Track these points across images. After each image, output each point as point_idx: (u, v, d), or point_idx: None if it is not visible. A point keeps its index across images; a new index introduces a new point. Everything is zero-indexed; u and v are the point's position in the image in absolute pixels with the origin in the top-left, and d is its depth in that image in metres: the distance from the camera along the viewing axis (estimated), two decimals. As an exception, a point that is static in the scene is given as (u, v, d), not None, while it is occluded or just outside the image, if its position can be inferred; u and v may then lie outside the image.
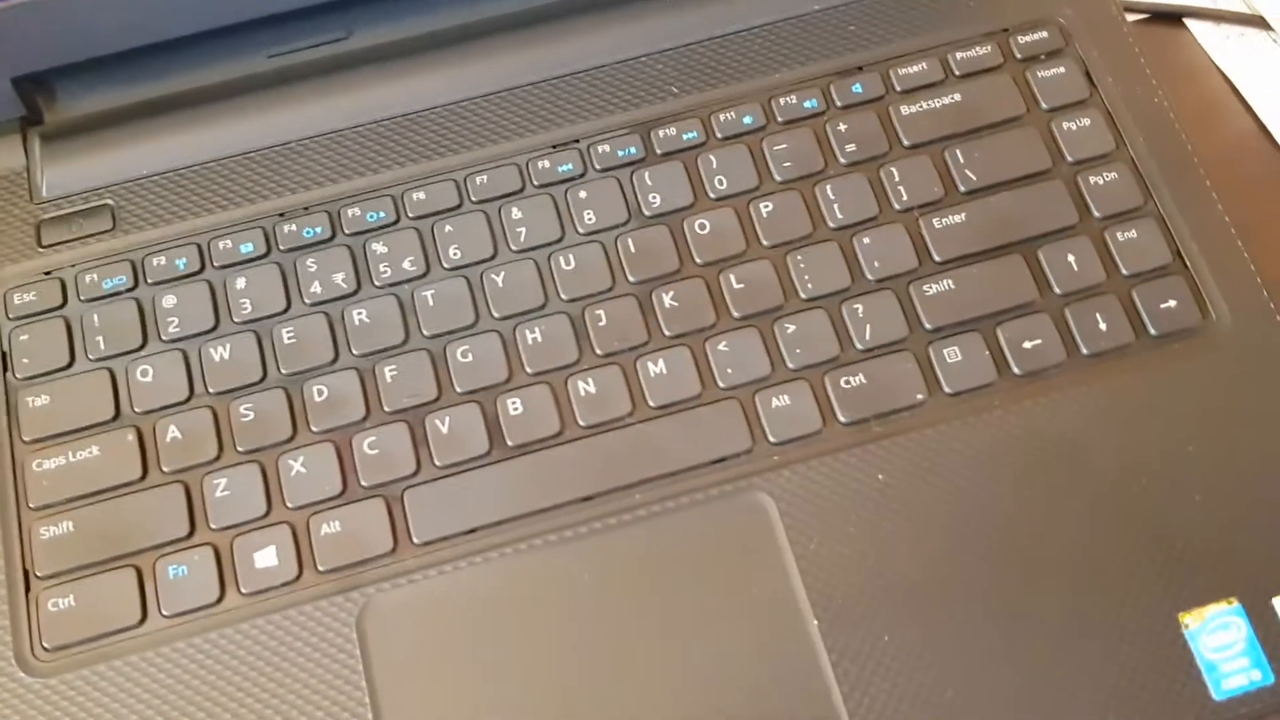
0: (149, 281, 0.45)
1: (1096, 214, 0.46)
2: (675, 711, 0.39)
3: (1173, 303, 0.45)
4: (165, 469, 0.42)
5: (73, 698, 0.39)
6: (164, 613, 0.40)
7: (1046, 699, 0.39)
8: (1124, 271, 0.45)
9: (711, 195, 0.46)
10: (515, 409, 0.43)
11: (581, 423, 0.43)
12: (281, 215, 0.46)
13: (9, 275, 0.45)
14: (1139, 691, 0.39)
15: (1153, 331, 0.44)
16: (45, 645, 0.40)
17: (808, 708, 0.39)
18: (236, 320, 0.44)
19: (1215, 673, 0.40)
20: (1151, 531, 0.41)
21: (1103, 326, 0.44)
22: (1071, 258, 0.45)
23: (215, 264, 0.45)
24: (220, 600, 0.40)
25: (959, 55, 0.49)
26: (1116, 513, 0.42)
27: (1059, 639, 0.40)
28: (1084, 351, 0.44)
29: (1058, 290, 0.45)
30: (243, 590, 0.40)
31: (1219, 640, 0.40)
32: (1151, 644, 0.40)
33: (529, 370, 0.43)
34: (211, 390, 0.43)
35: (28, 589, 0.40)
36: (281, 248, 0.45)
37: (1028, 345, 0.44)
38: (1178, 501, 0.42)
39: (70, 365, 0.44)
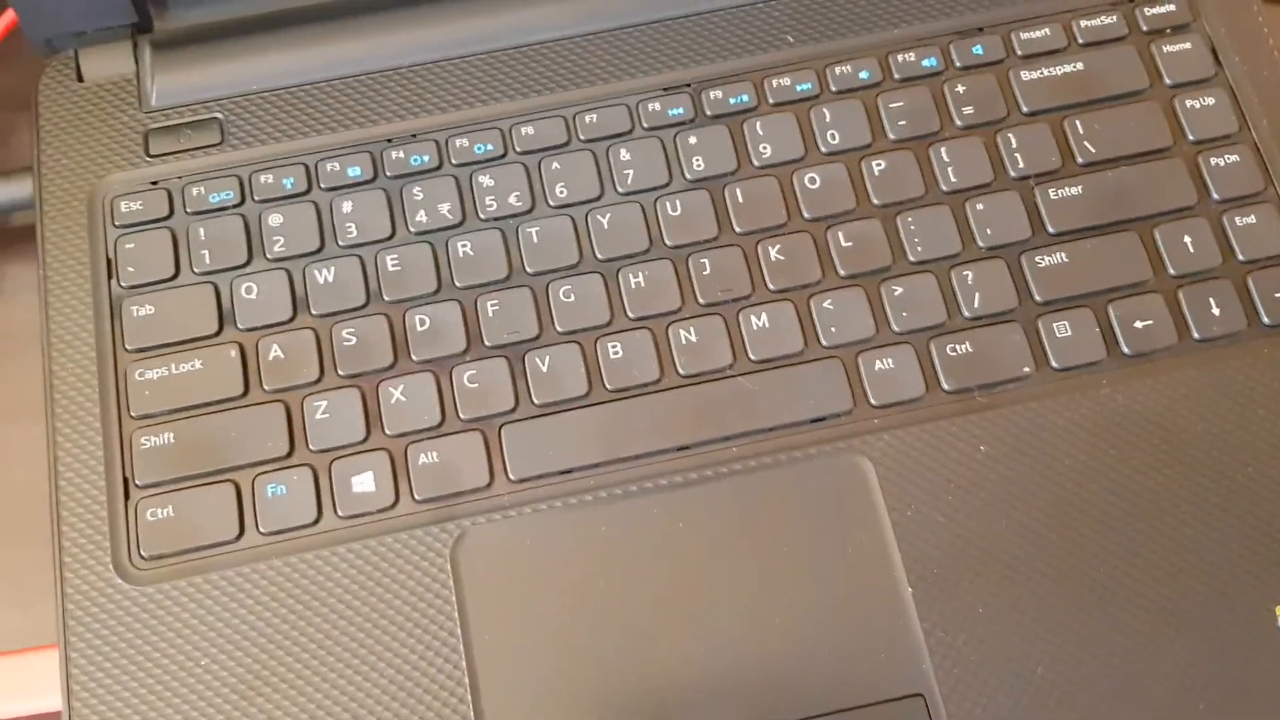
0: (255, 199, 0.45)
1: (1215, 196, 0.45)
2: (759, 669, 0.39)
3: (1289, 291, 0.44)
4: (266, 387, 0.42)
5: (168, 607, 0.39)
6: (261, 530, 0.40)
7: (1136, 682, 0.39)
8: (1240, 257, 0.44)
9: (823, 149, 0.46)
10: (615, 352, 0.42)
11: (681, 371, 0.42)
12: (389, 141, 0.46)
13: (117, 182, 0.45)
14: (1230, 682, 0.39)
15: (1266, 320, 0.44)
16: (143, 554, 0.40)
17: (897, 674, 0.39)
18: (341, 244, 0.44)
19: (1309, 668, 0.39)
20: (1252, 522, 0.41)
21: (1216, 311, 0.44)
22: (1188, 239, 0.45)
23: (322, 185, 0.45)
24: (317, 521, 0.40)
25: (1083, 23, 0.48)
26: (1218, 501, 0.41)
27: (1152, 623, 0.39)
28: (1195, 336, 0.43)
29: (1172, 271, 0.44)
30: (340, 513, 0.40)
31: (1314, 636, 0.39)
32: (1246, 635, 0.39)
33: (630, 314, 0.43)
34: (315, 312, 0.43)
35: (127, 497, 0.41)
36: (388, 174, 0.45)
37: (1139, 325, 0.43)
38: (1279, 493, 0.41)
39: (175, 277, 0.44)
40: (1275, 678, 0.39)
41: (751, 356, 0.43)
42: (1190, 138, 0.46)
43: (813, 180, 0.45)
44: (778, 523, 0.41)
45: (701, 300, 0.43)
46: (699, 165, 0.45)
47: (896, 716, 0.38)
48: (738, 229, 0.44)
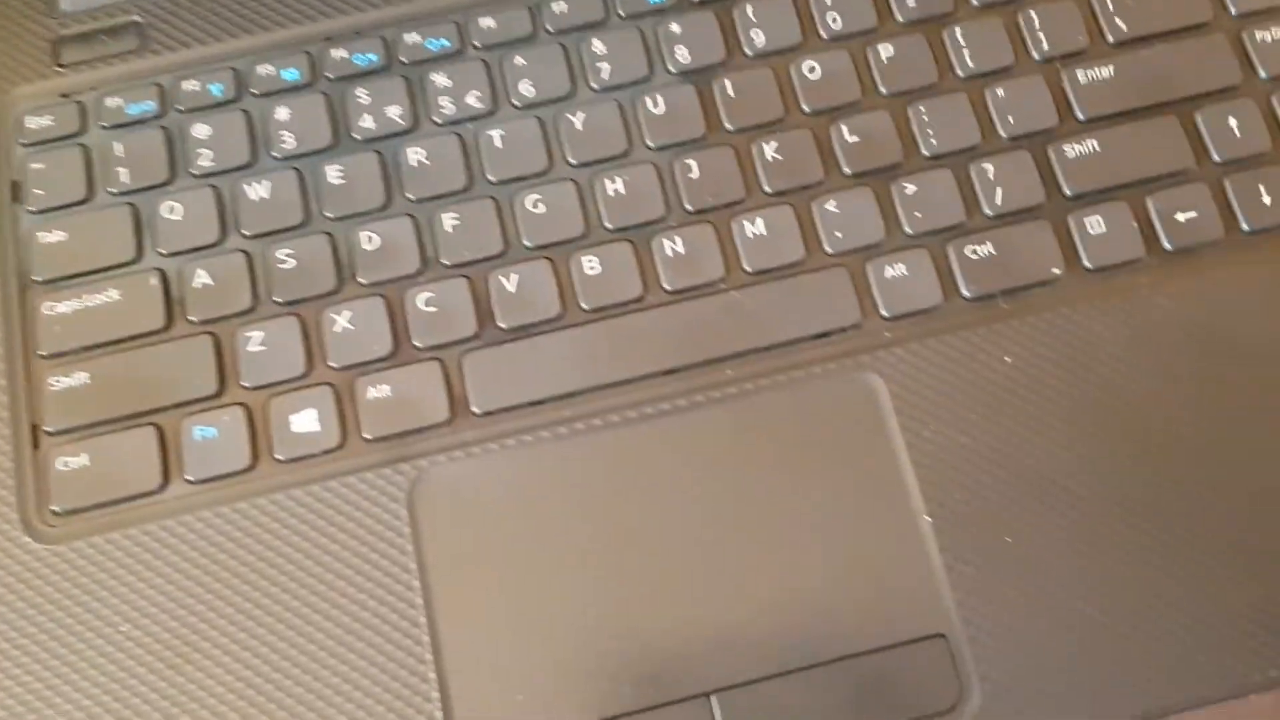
0: (179, 108, 0.40)
1: (1263, 74, 0.40)
2: (763, 615, 0.34)
3: (1348, 178, 0.39)
4: (193, 318, 0.37)
5: (83, 567, 0.34)
6: (188, 478, 0.36)
7: (1184, 619, 0.34)
8: (1293, 139, 0.39)
9: (823, 35, 0.40)
10: (592, 268, 0.37)
11: (667, 286, 0.37)
12: (329, 40, 0.40)
13: (22, 96, 0.40)
14: (1294, 619, 0.34)
15: (1324, 208, 0.38)
16: (54, 509, 0.35)
17: (916, 614, 0.34)
18: (277, 155, 0.39)
19: (1388, 597, 0.34)
20: (1316, 433, 0.36)
21: (1266, 200, 0.39)
22: (1233, 122, 0.39)
23: (254, 91, 0.40)
24: (252, 467, 0.36)
25: (1108, -112, 0.42)
26: (1269, 409, 0.36)
27: (1201, 553, 0.35)
28: (1244, 228, 0.38)
29: (1216, 158, 0.39)
30: (278, 457, 0.36)
31: (1394, 561, 0.35)
32: (1318, 562, 0.35)
33: (608, 225, 0.38)
34: (247, 233, 0.38)
35: (35, 445, 0.36)
36: (329, 76, 0.40)
37: (1181, 218, 0.38)
38: (1349, 401, 0.36)
39: (88, 199, 0.39)
40: (1354, 610, 0.34)
41: (746, 268, 0.38)
42: (1233, 10, 0.41)
43: (812, 69, 0.40)
44: (779, 452, 0.36)
45: (689, 207, 0.38)
46: (683, 56, 0.40)
47: (916, 661, 0.33)
48: (728, 126, 0.39)
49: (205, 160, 0.39)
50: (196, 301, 0.37)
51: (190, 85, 0.40)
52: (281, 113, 0.39)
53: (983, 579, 0.34)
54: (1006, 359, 0.37)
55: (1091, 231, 0.38)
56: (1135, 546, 0.35)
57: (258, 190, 0.38)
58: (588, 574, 0.34)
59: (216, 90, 0.40)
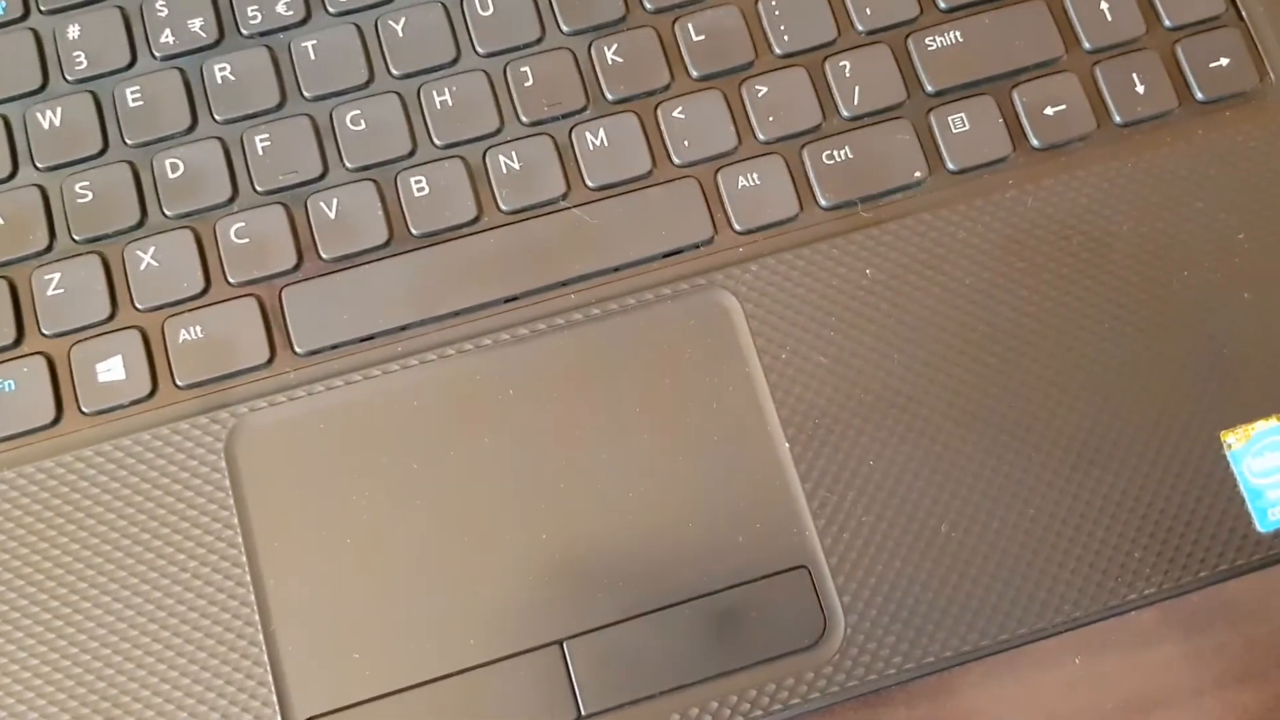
0: (-39, 29, 0.36)
1: (1136, -49, 0.38)
2: (617, 555, 0.32)
3: (1224, 61, 0.37)
4: (-17, 262, 0.34)
5: None
6: (-15, 437, 0.33)
7: (1061, 534, 0.33)
8: (1167, 23, 0.37)
9: (664, -78, 0.37)
10: (420, 189, 0.35)
11: (503, 207, 0.35)
12: (124, -55, 0.37)
13: None
14: (1171, 523, 0.33)
15: (1199, 96, 0.37)
16: None
17: (777, 546, 0.32)
18: (69, 78, 0.35)
19: (1260, 500, 0.33)
20: (1191, 335, 0.34)
21: (1140, 90, 0.36)
22: (1105, 5, 0.37)
23: (42, 8, 0.36)
24: (57, 421, 0.33)
25: None
26: (1150, 312, 0.34)
27: (1078, 462, 0.33)
28: (1117, 120, 0.36)
29: (1087, 45, 0.37)
30: (84, 409, 0.33)
31: (1266, 463, 0.33)
32: (1187, 467, 0.33)
33: (437, 141, 0.35)
34: (40, 164, 0.35)
35: None
36: (124, -15, 0.36)
37: (1050, 112, 0.36)
38: (1224, 300, 0.35)
39: None
40: (1221, 515, 0.33)
41: (589, 183, 0.35)
42: (1104, -118, 0.38)
43: (653, -38, 0.37)
44: (629, 380, 0.34)
45: (524, 118, 0.35)
46: (514, -48, 0.37)
47: (777, 594, 0.32)
48: (564, 28, 0.36)
49: (-11, 86, 0.35)
50: (-14, 243, 0.34)
51: (-31, 2, 0.36)
52: (72, 30, 0.36)
53: (844, 507, 0.33)
54: (868, 271, 0.35)
55: (955, 130, 0.36)
56: (1000, 464, 0.33)
57: (49, 117, 0.35)
58: (425, 522, 0.32)
59: (1, 8, 0.36)
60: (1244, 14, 0.37)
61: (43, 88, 0.35)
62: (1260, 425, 0.34)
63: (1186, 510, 0.33)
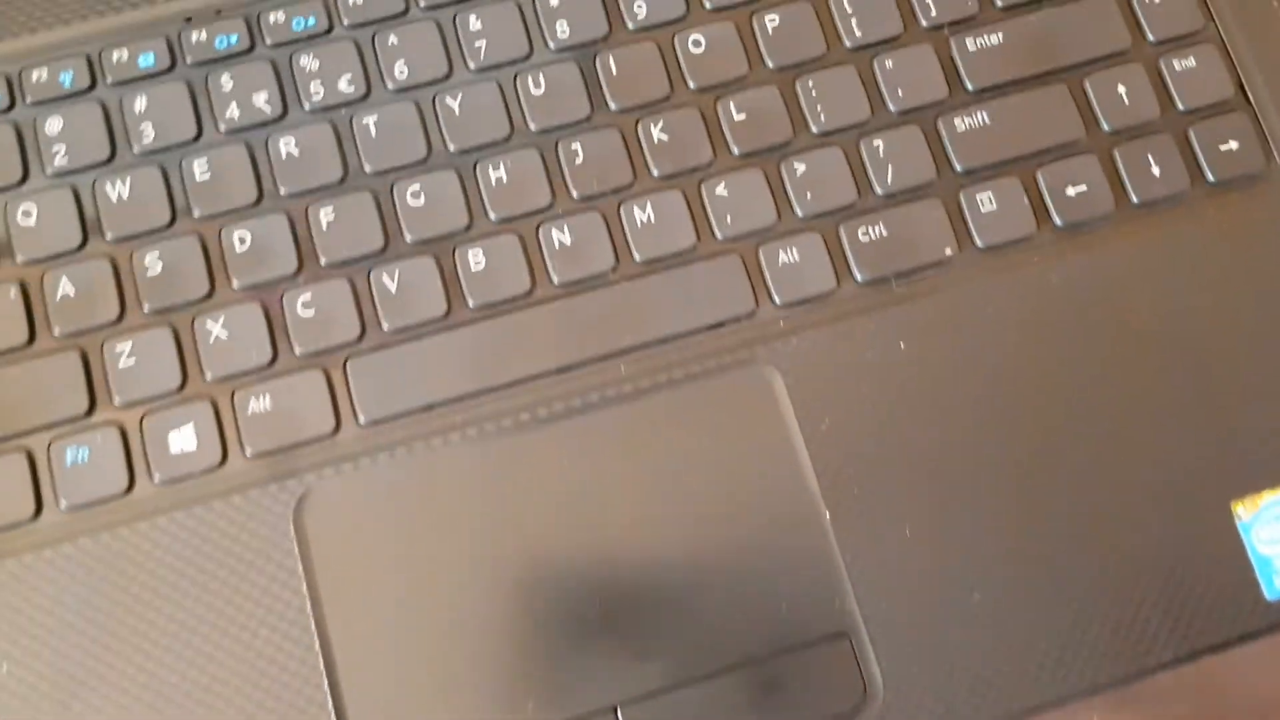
0: (27, 101, 0.37)
1: (1151, 37, 0.40)
2: (663, 622, 0.34)
3: (1233, 144, 0.39)
4: (57, 332, 0.35)
5: (-44, 606, 0.33)
6: (63, 505, 0.34)
7: (1084, 601, 0.35)
8: (1180, 107, 0.39)
9: (708, 4, 0.39)
10: (477, 263, 0.36)
11: (555, 280, 0.36)
12: (189, 20, 0.38)
13: None
14: (1185, 591, 0.35)
15: (1210, 178, 0.39)
16: (-80, 544, 0.33)
17: (819, 613, 0.34)
18: (137, 150, 0.37)
19: (1269, 569, 0.35)
20: (1205, 408, 0.36)
21: (1155, 171, 0.38)
22: (1122, 89, 0.39)
23: (109, 80, 0.37)
24: (130, 490, 0.34)
25: None
26: (1166, 385, 0.37)
27: (1101, 537, 0.35)
28: (1134, 200, 0.38)
29: (1106, 127, 0.39)
30: (156, 478, 0.34)
31: (1273, 532, 0.36)
32: (1200, 536, 0.35)
33: (493, 216, 0.37)
34: (110, 236, 0.36)
35: (-103, 477, 0.34)
36: (189, 61, 0.37)
37: (1071, 192, 0.38)
38: (1236, 374, 0.37)
39: (-67, 204, 0.36)
40: (1231, 583, 0.35)
41: (637, 257, 0.37)
42: (1120, -31, 0.40)
43: (697, 43, 0.38)
44: (677, 450, 0.35)
45: (575, 194, 0.37)
46: (563, 31, 0.38)
47: (819, 662, 0.34)
48: (613, 106, 0.38)
49: (60, 158, 0.36)
50: (60, 314, 0.35)
51: (38, 75, 0.37)
52: (139, 103, 0.37)
53: (884, 574, 0.35)
54: (902, 345, 0.36)
55: (983, 209, 0.38)
56: (1033, 534, 0.35)
57: (119, 189, 0.36)
58: (484, 586, 0.34)
59: (66, 79, 0.37)
60: (1251, 98, 0.40)
61: (111, 159, 0.37)
62: (1268, 496, 0.36)
63: (1200, 578, 0.35)
